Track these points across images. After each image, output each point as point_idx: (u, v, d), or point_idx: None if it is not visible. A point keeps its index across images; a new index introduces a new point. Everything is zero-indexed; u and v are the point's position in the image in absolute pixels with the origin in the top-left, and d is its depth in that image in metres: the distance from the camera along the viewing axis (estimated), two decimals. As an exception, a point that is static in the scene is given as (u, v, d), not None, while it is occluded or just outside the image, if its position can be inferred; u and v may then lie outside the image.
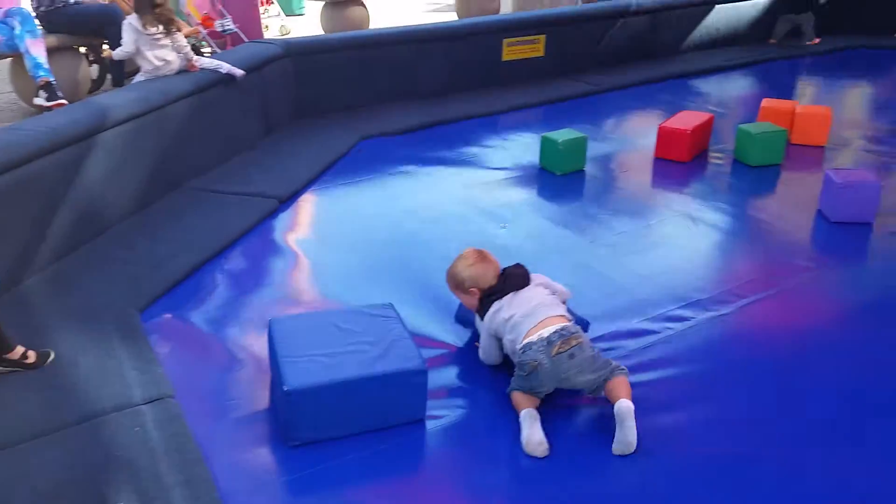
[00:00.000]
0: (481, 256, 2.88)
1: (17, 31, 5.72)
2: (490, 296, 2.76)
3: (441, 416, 2.60)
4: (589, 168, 4.93)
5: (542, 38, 6.98)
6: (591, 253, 3.77)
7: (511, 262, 2.88)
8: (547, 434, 2.45)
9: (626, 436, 2.38)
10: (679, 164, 4.97)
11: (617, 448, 2.40)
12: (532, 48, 6.95)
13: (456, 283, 2.88)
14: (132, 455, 2.29)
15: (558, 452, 2.42)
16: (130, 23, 4.59)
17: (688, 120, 5.08)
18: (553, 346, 2.52)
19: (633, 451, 2.38)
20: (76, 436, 2.41)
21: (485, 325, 2.76)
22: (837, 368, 2.83)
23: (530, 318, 2.63)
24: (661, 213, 4.24)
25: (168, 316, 3.28)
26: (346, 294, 3.41)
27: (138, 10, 4.60)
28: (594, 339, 3.00)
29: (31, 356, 2.75)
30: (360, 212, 4.39)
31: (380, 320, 2.74)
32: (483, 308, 2.78)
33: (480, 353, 2.83)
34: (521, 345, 2.58)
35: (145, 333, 3.03)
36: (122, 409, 2.50)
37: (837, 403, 2.64)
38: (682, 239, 3.92)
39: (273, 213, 4.34)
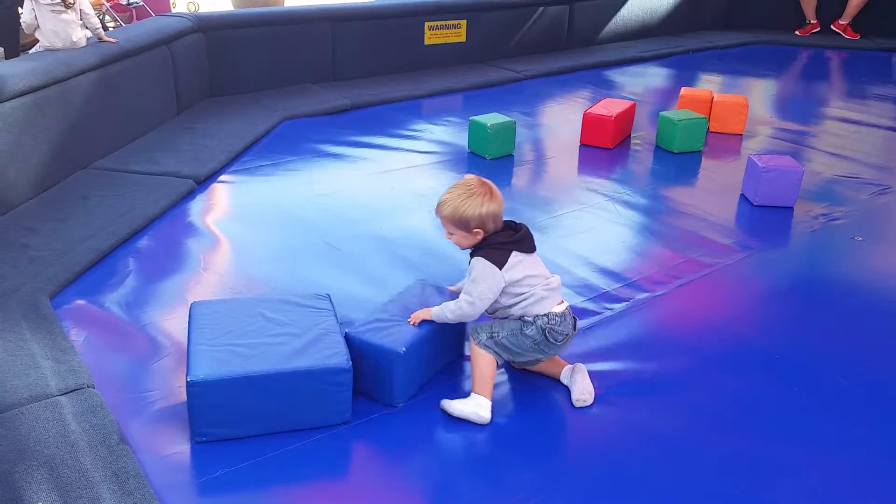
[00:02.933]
0: (490, 191, 2.44)
1: None
2: (506, 243, 2.42)
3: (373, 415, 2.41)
4: (518, 152, 4.91)
5: (464, 23, 6.93)
6: (525, 235, 3.73)
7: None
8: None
9: (586, 383, 2.49)
10: (603, 150, 5.01)
11: (580, 398, 2.47)
12: (454, 32, 6.88)
13: (458, 220, 2.41)
14: (51, 450, 2.07)
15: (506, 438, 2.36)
16: None
17: (611, 107, 5.13)
18: (570, 327, 2.48)
19: (592, 398, 2.48)
20: (-16, 431, 2.16)
21: (495, 273, 2.38)
22: (768, 345, 2.89)
23: (556, 291, 2.49)
24: (589, 197, 4.26)
25: (80, 302, 3.03)
26: (273, 279, 3.24)
27: None
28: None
29: None
30: (283, 194, 4.21)
31: (310, 311, 2.51)
32: (482, 250, 2.42)
33: (465, 301, 2.40)
34: (547, 312, 2.42)
35: (57, 321, 2.77)
36: (37, 400, 2.26)
37: (765, 378, 2.70)
38: (611, 222, 3.94)
39: (189, 195, 4.11)
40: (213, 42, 5.65)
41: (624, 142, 5.20)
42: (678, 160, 4.90)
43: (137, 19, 6.87)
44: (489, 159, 4.76)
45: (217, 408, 2.20)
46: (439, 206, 2.48)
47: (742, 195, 4.29)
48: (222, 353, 2.26)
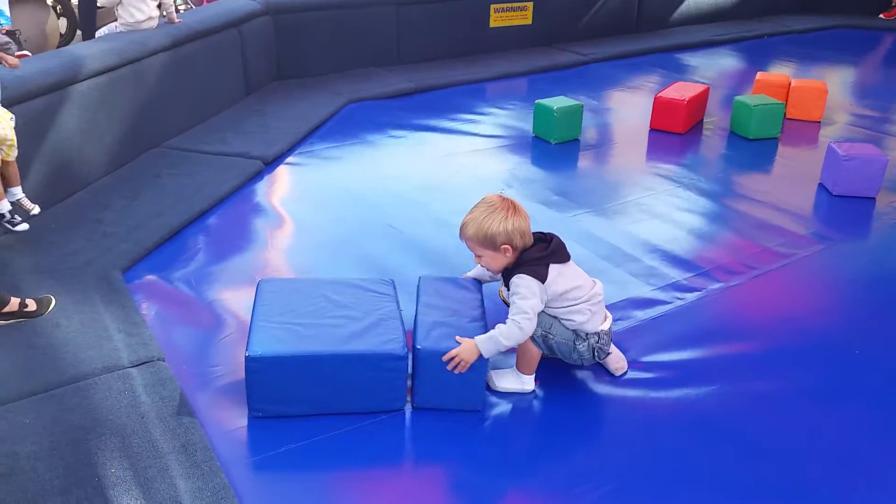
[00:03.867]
0: (514, 206, 2.33)
1: (-23, -26, 5.40)
2: (541, 258, 2.30)
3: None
4: (584, 137, 4.81)
5: (530, 5, 6.82)
6: (592, 221, 3.65)
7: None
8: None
9: (616, 352, 2.52)
10: (674, 135, 4.87)
11: (618, 366, 2.50)
12: (520, 15, 6.78)
13: (483, 239, 2.30)
14: (122, 419, 2.12)
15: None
16: None
17: (683, 91, 4.98)
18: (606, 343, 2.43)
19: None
20: (60, 399, 2.22)
21: (540, 287, 2.27)
22: (847, 341, 2.76)
23: (602, 303, 2.42)
24: (659, 183, 4.14)
25: (151, 277, 3.09)
26: (336, 260, 3.25)
27: None
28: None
29: (31, 304, 2.63)
30: (348, 176, 4.21)
31: (372, 296, 2.48)
32: (521, 268, 2.30)
33: (520, 322, 2.24)
34: (598, 331, 2.37)
35: (129, 295, 2.83)
36: (110, 371, 2.31)
37: (844, 375, 2.57)
38: (683, 210, 3.82)
39: (257, 175, 4.15)
40: (280, 25, 5.70)
41: (696, 127, 5.04)
42: (753, 147, 4.72)
43: (208, 2, 6.97)
44: (554, 144, 4.67)
45: (273, 384, 2.21)
46: (462, 227, 2.36)
47: (820, 184, 4.11)
48: (282, 331, 2.27)
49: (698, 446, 2.23)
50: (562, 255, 2.36)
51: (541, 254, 2.32)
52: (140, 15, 4.44)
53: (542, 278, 2.28)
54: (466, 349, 2.23)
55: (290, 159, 4.41)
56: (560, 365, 2.53)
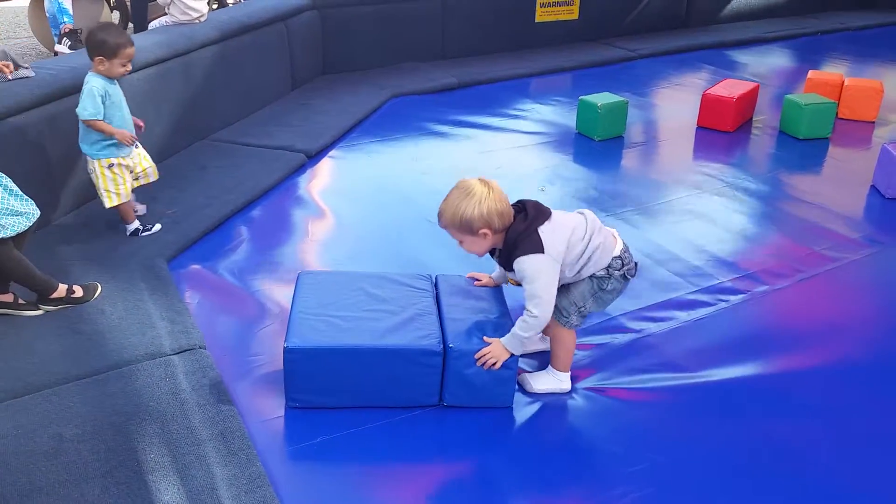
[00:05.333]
0: (489, 188, 2.21)
1: (44, -28, 5.53)
2: (527, 228, 2.20)
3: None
4: (628, 134, 4.74)
5: (577, 0, 6.75)
6: (635, 220, 3.60)
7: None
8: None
9: None
10: (722, 133, 4.78)
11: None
12: (566, 10, 6.72)
13: (459, 224, 2.20)
14: (163, 406, 2.16)
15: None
16: None
17: (732, 88, 4.88)
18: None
19: None
20: (104, 383, 2.27)
21: (543, 260, 2.17)
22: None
23: (601, 229, 2.31)
24: (705, 182, 4.06)
25: (195, 267, 3.14)
26: (376, 253, 3.27)
27: None
28: (643, 309, 2.86)
29: (78, 290, 2.70)
30: (389, 170, 4.22)
31: (410, 291, 2.49)
32: (517, 249, 2.20)
33: (532, 311, 2.19)
34: (616, 254, 2.29)
35: (173, 283, 2.89)
36: (152, 358, 2.36)
37: (893, 385, 2.50)
38: (729, 210, 3.75)
39: (301, 168, 4.19)
40: (327, 19, 5.73)
41: (745, 125, 4.93)
42: (803, 147, 4.61)
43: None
44: (598, 140, 4.62)
45: (310, 375, 2.24)
46: (439, 216, 2.26)
47: (873, 186, 3.99)
48: (320, 322, 2.29)
49: (739, 451, 2.19)
50: (543, 214, 2.25)
51: (524, 224, 2.21)
52: (193, 13, 4.50)
53: (540, 247, 2.18)
54: (497, 348, 2.23)
55: (332, 153, 4.44)
56: (594, 364, 2.50)
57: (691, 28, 7.44)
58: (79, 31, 5.55)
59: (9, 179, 2.53)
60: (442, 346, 2.23)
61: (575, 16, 6.79)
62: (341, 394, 2.27)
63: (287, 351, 2.20)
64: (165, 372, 2.31)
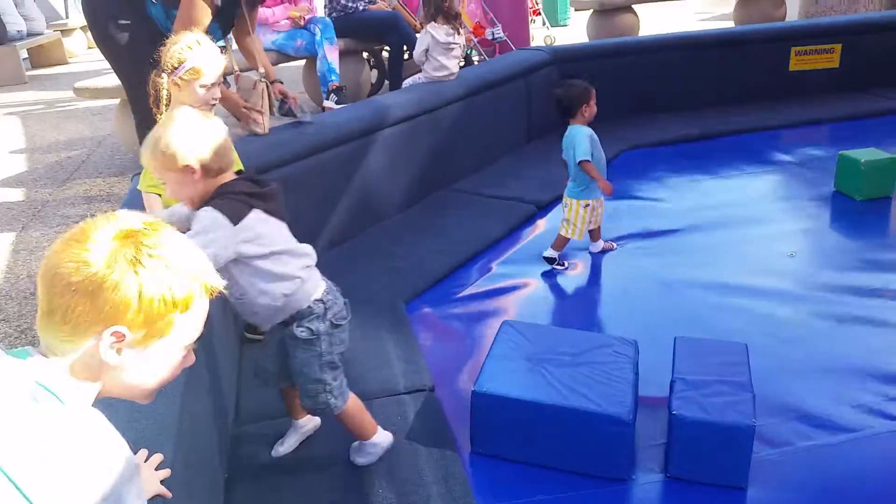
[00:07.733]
0: (204, 119, 1.84)
1: (318, 37, 6.26)
2: (246, 194, 1.84)
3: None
4: (896, 195, 4.26)
5: (839, 47, 6.24)
6: (899, 293, 3.19)
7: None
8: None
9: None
10: None
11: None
12: (826, 58, 6.23)
13: (162, 158, 1.77)
14: (395, 443, 2.28)
15: None
16: (429, 31, 4.76)
17: None
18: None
19: None
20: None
21: (227, 227, 1.79)
22: None
23: (314, 266, 2.06)
24: None
25: (428, 310, 3.31)
26: (590, 311, 3.26)
27: (433, 15, 4.75)
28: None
29: None
30: (618, 225, 4.14)
31: (610, 353, 2.41)
32: (212, 201, 1.81)
33: None
34: (317, 296, 2.05)
35: (409, 325, 3.06)
36: (387, 395, 2.52)
37: None
38: None
39: (530, 219, 4.27)
40: (564, 73, 5.83)
41: None
42: None
43: (500, 53, 7.38)
44: (860, 200, 4.19)
45: (494, 424, 2.27)
46: (142, 149, 1.85)
47: None
48: (511, 373, 2.32)
49: None
50: (274, 207, 1.91)
51: (245, 189, 1.86)
52: (444, 71, 4.81)
53: (236, 218, 1.80)
54: None
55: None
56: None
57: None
58: (343, 87, 6.17)
59: None
60: (632, 417, 2.13)
61: (835, 64, 6.28)
62: (525, 448, 2.26)
63: (474, 395, 2.26)
64: (398, 409, 2.45)
